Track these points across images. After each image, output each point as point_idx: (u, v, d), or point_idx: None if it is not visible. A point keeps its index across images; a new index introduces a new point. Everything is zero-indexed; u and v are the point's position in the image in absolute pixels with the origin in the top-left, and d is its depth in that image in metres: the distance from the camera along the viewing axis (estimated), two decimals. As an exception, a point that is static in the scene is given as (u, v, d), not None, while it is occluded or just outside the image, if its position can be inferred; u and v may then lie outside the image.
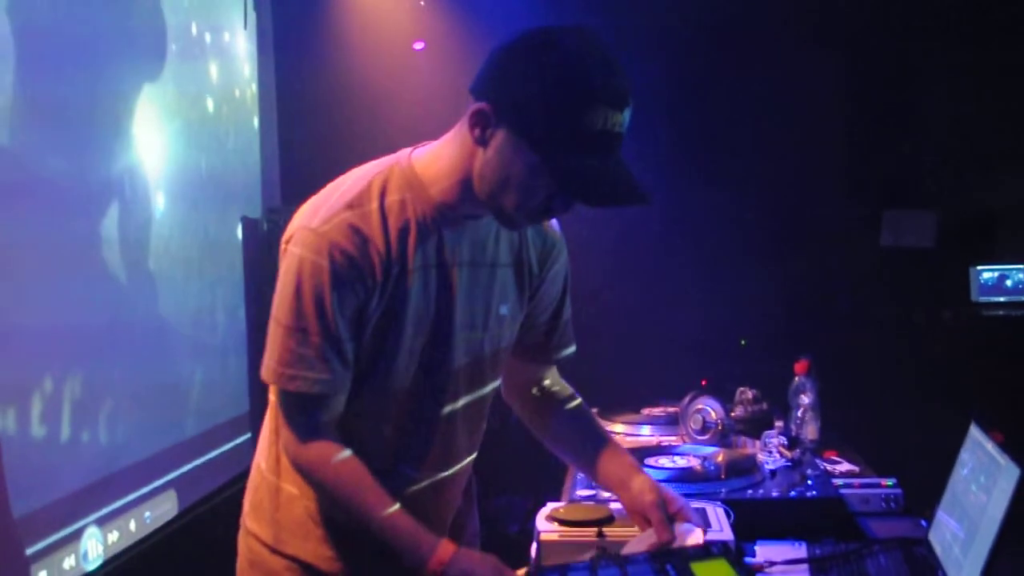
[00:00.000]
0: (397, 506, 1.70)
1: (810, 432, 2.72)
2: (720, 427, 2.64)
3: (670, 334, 4.07)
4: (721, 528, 1.98)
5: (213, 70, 3.57)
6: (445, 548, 1.67)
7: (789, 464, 2.35)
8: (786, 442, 2.45)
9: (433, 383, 1.78)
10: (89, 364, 2.67)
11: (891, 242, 4.70)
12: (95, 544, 2.64)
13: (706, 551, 1.37)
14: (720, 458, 2.41)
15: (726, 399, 2.82)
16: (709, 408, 2.67)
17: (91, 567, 2.61)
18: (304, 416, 1.69)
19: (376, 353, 1.71)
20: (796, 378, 2.77)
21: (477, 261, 1.79)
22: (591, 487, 2.28)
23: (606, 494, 2.24)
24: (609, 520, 2.02)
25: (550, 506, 2.07)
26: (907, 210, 4.69)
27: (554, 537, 1.96)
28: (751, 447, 2.60)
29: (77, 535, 2.57)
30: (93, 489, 2.65)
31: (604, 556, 1.49)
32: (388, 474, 1.78)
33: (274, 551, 1.83)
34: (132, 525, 2.84)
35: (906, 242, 4.67)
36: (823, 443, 2.69)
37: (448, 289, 1.75)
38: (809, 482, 2.25)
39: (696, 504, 2.11)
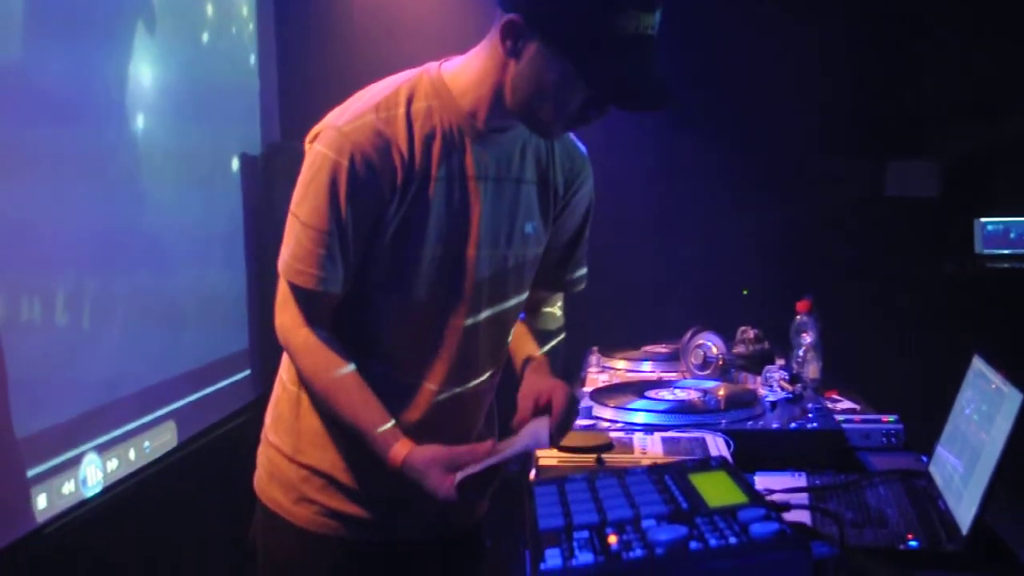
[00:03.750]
0: (363, 390, 1.72)
1: (811, 371, 2.71)
2: (721, 362, 2.64)
3: (671, 279, 4.04)
4: (720, 454, 1.98)
5: (209, 8, 3.52)
6: (402, 446, 1.68)
7: (790, 397, 2.34)
8: (788, 377, 2.45)
9: (454, 297, 1.79)
10: (88, 290, 2.65)
11: (895, 192, 4.68)
12: (94, 471, 2.63)
13: (704, 464, 1.36)
14: (721, 391, 2.41)
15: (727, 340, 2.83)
16: (710, 343, 2.67)
17: (90, 493, 2.61)
18: (303, 308, 1.73)
19: (396, 263, 1.73)
20: (798, 317, 2.76)
21: (502, 176, 1.79)
22: (590, 417, 2.29)
23: (605, 424, 2.26)
24: (608, 447, 2.03)
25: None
26: (911, 160, 4.66)
27: (553, 463, 1.97)
28: (752, 383, 2.59)
29: (76, 461, 2.56)
30: (92, 416, 2.64)
31: (603, 469, 1.48)
32: (409, 387, 1.81)
33: (292, 461, 1.85)
34: (132, 454, 2.83)
35: (910, 192, 4.65)
36: (824, 383, 2.69)
37: (471, 202, 1.75)
38: (810, 415, 2.25)
39: (696, 434, 2.12)
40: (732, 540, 1.07)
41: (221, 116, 3.55)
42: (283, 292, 1.75)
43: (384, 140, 1.66)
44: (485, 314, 1.84)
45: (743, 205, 4.21)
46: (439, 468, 1.64)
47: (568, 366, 2.82)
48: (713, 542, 1.07)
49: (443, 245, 1.74)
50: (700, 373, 2.67)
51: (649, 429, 2.19)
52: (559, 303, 2.07)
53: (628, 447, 2.05)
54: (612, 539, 1.13)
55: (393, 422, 1.72)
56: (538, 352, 1.94)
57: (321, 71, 3.94)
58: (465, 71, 1.72)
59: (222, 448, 3.26)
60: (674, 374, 2.77)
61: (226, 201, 3.57)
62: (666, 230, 4.18)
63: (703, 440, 2.07)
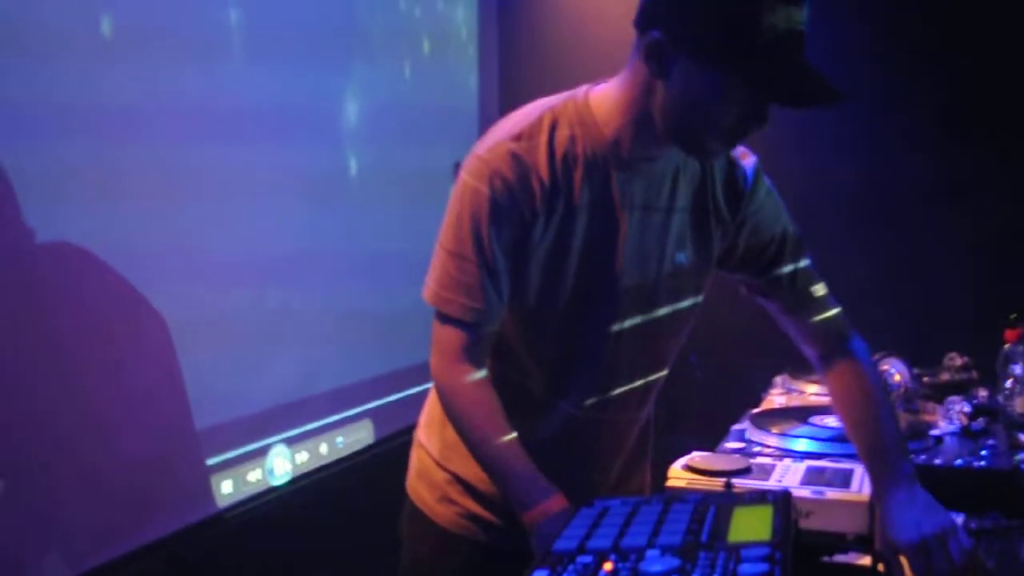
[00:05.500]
0: (514, 439, 1.67)
1: (1019, 405, 2.47)
2: (904, 390, 2.45)
3: (877, 297, 3.66)
4: (860, 490, 1.84)
5: (426, 33, 3.62)
6: (555, 502, 1.59)
7: (959, 431, 2.15)
8: (969, 409, 2.24)
9: (596, 327, 1.75)
10: (288, 290, 2.82)
11: None
12: (282, 462, 2.79)
13: (760, 497, 1.27)
14: (893, 422, 2.24)
15: (932, 364, 2.63)
16: (894, 370, 2.47)
17: (277, 483, 2.76)
18: (454, 340, 1.69)
19: (539, 290, 1.71)
20: (1006, 346, 2.53)
21: (650, 205, 1.73)
22: (742, 439, 2.20)
23: (757, 448, 2.15)
24: (744, 472, 1.93)
25: (694, 454, 2.01)
26: None
27: (681, 484, 1.91)
28: (940, 414, 2.39)
29: (264, 451, 2.73)
30: (284, 409, 2.80)
31: (659, 493, 1.42)
32: (547, 406, 1.80)
33: (439, 464, 1.90)
34: (323, 448, 2.98)
35: None
36: (1039, 419, 2.44)
37: (616, 232, 1.70)
38: (983, 452, 2.05)
39: (845, 464, 1.98)
40: (713, 578, 1.00)
41: (437, 138, 3.62)
42: (438, 334, 1.72)
43: (523, 167, 1.63)
44: (630, 345, 1.79)
45: (956, 209, 3.73)
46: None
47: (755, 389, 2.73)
48: (693, 579, 1.01)
49: (586, 275, 1.70)
50: (882, 401, 2.48)
51: (800, 456, 2.07)
52: (854, 348, 1.87)
53: (767, 474, 1.95)
54: (607, 567, 1.08)
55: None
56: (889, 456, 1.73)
57: (546, 91, 3.92)
58: (608, 98, 1.66)
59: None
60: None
61: (437, 220, 3.65)
62: (871, 245, 3.82)
63: (850, 472, 1.93)
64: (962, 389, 2.48)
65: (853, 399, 1.83)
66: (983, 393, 2.52)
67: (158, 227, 2.39)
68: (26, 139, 2.09)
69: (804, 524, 1.74)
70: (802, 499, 1.77)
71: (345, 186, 3.10)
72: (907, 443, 2.04)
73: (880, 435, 1.75)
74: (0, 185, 2.05)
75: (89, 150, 2.21)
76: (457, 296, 1.67)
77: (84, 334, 2.22)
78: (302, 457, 2.87)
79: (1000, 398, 2.49)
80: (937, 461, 2.01)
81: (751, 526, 1.16)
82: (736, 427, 2.29)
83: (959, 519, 1.81)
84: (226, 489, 2.59)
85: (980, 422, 2.20)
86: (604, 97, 1.67)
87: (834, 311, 1.88)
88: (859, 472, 1.92)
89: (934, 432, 2.19)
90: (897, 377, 2.46)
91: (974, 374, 2.62)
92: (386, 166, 3.27)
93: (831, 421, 2.28)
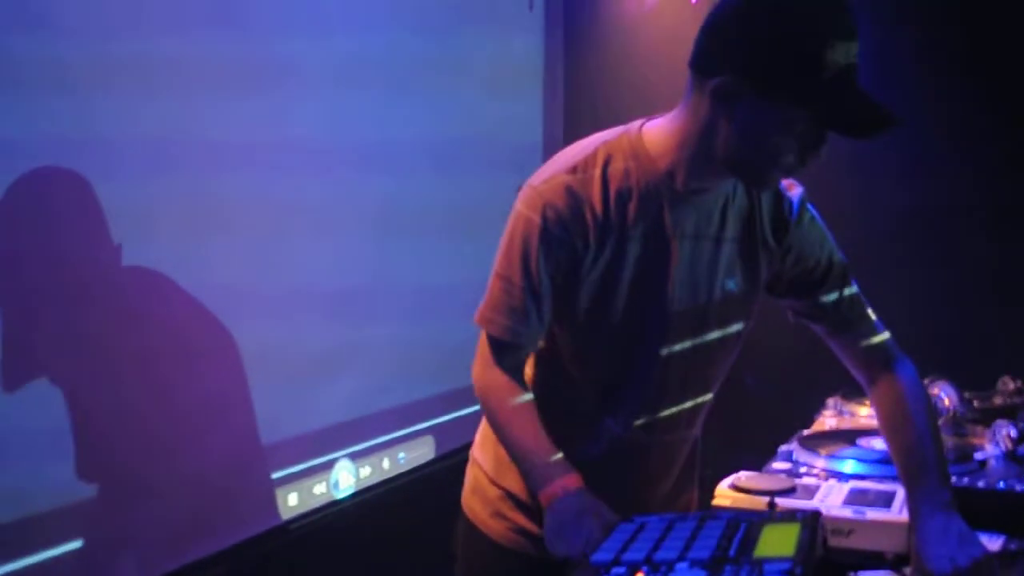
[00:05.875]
0: (541, 429, 1.77)
1: (1069, 430, 2.48)
2: (952, 415, 2.47)
3: (927, 316, 3.62)
4: (901, 511, 1.89)
5: (491, 40, 3.69)
6: (572, 479, 1.69)
7: (1004, 454, 2.17)
8: (1015, 433, 2.26)
9: (646, 350, 1.83)
10: (356, 316, 2.93)
11: None
12: (347, 476, 2.90)
13: (789, 516, 1.34)
14: (939, 445, 2.27)
15: (986, 388, 2.65)
16: (943, 395, 2.50)
17: (341, 496, 2.87)
18: (494, 355, 1.82)
19: (589, 312, 1.78)
20: (1056, 369, 2.54)
21: (701, 235, 1.80)
22: (789, 460, 2.24)
23: (803, 468, 2.20)
24: (789, 491, 1.98)
25: (740, 474, 2.06)
26: None
27: (726, 503, 1.96)
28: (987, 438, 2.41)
29: (329, 466, 2.83)
30: (348, 426, 2.91)
31: (696, 511, 1.48)
32: (598, 428, 1.87)
33: (492, 481, 1.98)
34: (385, 463, 3.08)
35: None
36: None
37: (668, 261, 1.77)
38: (1029, 474, 2.08)
39: (888, 486, 2.02)
40: (736, 590, 1.07)
41: (502, 171, 3.59)
42: (482, 346, 1.84)
43: (577, 199, 1.71)
44: (679, 368, 1.85)
45: (1010, 232, 3.70)
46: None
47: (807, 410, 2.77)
48: (718, 590, 1.08)
49: (636, 301, 1.77)
50: (931, 424, 2.51)
51: (846, 477, 2.12)
52: (900, 367, 1.94)
53: (811, 494, 2.00)
54: (638, 577, 1.16)
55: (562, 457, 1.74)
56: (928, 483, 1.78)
57: (611, 125, 3.96)
58: (664, 133, 1.73)
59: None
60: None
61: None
62: (923, 267, 3.81)
63: (892, 494, 1.97)
64: (1012, 413, 2.49)
65: (896, 423, 1.88)
66: (1033, 417, 2.54)
67: (233, 257, 2.52)
68: (112, 173, 2.23)
69: (845, 543, 1.80)
70: (844, 519, 1.83)
71: (410, 218, 3.19)
72: (949, 469, 2.09)
73: (920, 461, 1.80)
74: (91, 215, 2.19)
75: (165, 183, 2.34)
76: (501, 317, 1.77)
77: (161, 354, 2.34)
78: (365, 472, 2.97)
79: (1052, 423, 2.49)
80: (980, 483, 2.04)
81: (778, 542, 1.23)
82: (784, 447, 2.34)
83: (998, 541, 1.84)
84: (292, 502, 2.70)
85: (1026, 446, 2.22)
86: (659, 131, 1.74)
87: (881, 335, 1.93)
88: (901, 494, 1.96)
89: (979, 455, 2.21)
90: (947, 401, 2.49)
91: (1027, 398, 2.63)
92: (451, 198, 3.36)
93: (878, 443, 2.31)
